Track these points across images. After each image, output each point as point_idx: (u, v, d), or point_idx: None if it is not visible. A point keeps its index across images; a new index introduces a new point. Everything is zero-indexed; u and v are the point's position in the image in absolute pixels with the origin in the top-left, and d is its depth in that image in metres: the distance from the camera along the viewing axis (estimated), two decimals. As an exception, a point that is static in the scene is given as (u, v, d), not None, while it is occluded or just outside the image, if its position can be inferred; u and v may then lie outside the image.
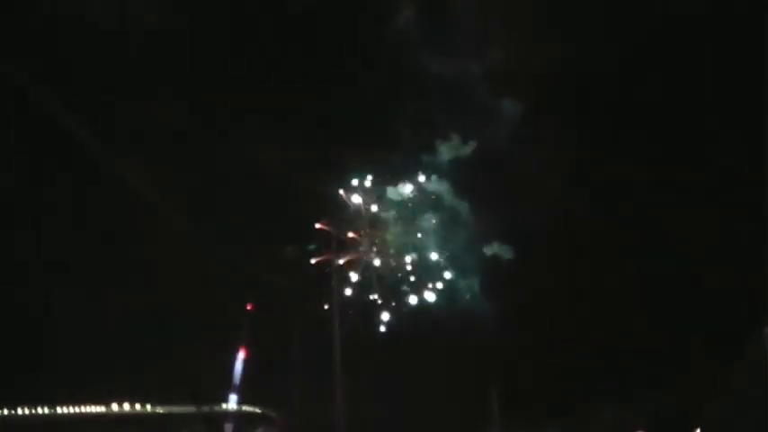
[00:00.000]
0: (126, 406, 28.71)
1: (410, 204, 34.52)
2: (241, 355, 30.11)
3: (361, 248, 34.36)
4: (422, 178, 34.59)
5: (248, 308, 30.42)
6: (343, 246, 33.45)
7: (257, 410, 30.63)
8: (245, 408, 30.24)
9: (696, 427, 28.92)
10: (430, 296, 34.51)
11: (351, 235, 33.79)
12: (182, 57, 30.08)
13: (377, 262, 34.30)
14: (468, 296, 34.79)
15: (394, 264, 34.32)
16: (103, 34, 27.57)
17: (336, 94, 32.90)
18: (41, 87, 23.10)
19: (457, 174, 34.56)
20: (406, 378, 31.20)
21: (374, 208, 34.37)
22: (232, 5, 31.36)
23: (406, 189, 34.63)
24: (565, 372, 31.51)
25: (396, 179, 34.34)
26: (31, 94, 23.19)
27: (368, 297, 32.62)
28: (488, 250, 34.82)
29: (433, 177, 34.76)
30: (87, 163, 25.49)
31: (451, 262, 34.85)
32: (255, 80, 31.62)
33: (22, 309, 26.95)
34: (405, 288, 34.54)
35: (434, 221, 34.64)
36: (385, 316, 33.70)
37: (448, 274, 34.96)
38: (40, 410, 28.13)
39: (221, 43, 31.12)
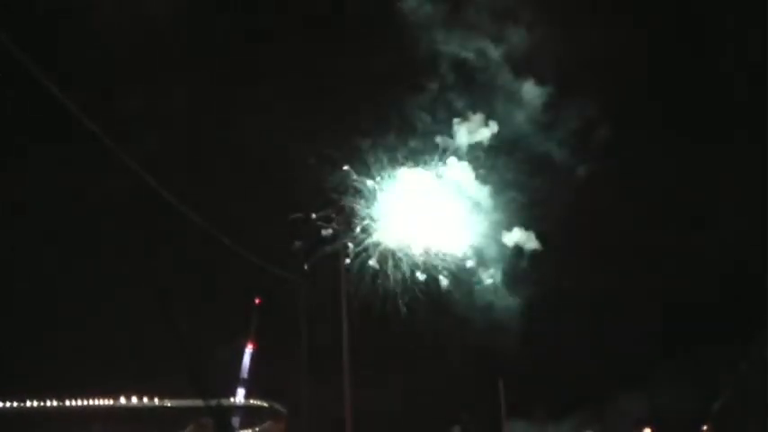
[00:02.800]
0: (133, 399, 30.42)
1: (428, 189, 35.72)
2: (249, 348, 31.82)
3: (374, 235, 35.60)
4: (439, 162, 35.74)
5: (256, 301, 31.86)
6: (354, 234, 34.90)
7: (265, 404, 32.23)
8: (253, 401, 31.87)
9: (705, 423, 30.36)
10: (445, 283, 35.84)
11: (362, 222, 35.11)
12: (186, 31, 31.52)
13: (391, 250, 35.62)
14: (486, 285, 36.05)
15: (409, 253, 35.55)
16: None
17: (349, 75, 34.10)
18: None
19: (477, 158, 35.72)
20: (418, 370, 32.80)
21: (389, 193, 35.69)
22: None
23: (424, 173, 35.77)
24: (579, 366, 33.19)
25: (412, 163, 35.47)
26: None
27: (380, 287, 34.00)
28: (509, 239, 35.89)
29: (452, 162, 35.85)
30: (93, 153, 26.96)
31: (471, 250, 36.05)
32: (264, 62, 32.87)
33: (28, 302, 28.96)
34: (420, 276, 35.87)
35: (453, 207, 35.83)
36: (398, 305, 35.17)
37: (467, 263, 36.22)
38: (48, 403, 29.98)
39: (226, 20, 32.52)
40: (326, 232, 32.86)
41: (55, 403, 30.06)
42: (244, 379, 31.33)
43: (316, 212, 32.58)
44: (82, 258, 28.92)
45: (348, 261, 33.09)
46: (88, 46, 28.79)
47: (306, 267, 31.68)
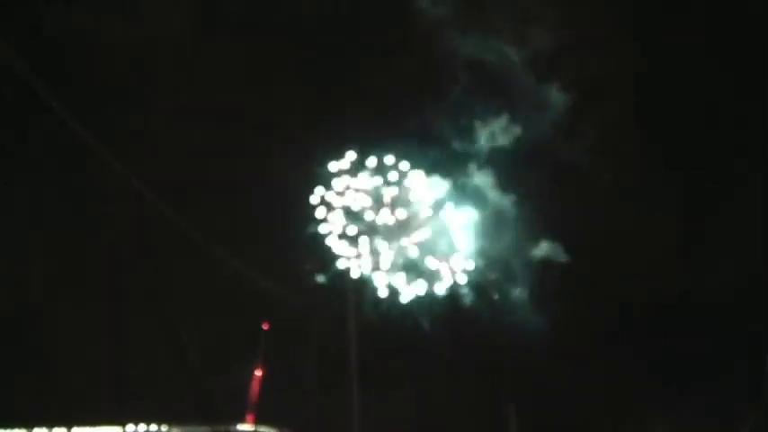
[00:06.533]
0: (141, 426, 32.93)
1: (445, 199, 37.97)
2: (258, 373, 33.52)
3: (390, 247, 37.83)
4: (460, 169, 37.98)
5: (265, 327, 34.09)
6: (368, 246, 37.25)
7: (274, 430, 33.78)
8: (262, 428, 33.34)
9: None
10: (467, 299, 38.13)
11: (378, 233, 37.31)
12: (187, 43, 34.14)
13: (408, 261, 37.91)
14: (511, 301, 38.32)
15: (428, 265, 37.82)
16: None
17: (365, 80, 36.46)
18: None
19: (501, 165, 37.97)
20: (429, 393, 34.75)
21: (407, 202, 37.98)
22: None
23: (443, 181, 37.94)
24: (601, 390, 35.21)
25: (430, 170, 37.76)
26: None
27: (396, 302, 36.40)
28: (538, 252, 38.02)
29: (473, 169, 38.12)
30: (97, 175, 29.97)
31: (494, 265, 38.28)
32: (273, 71, 34.97)
33: (28, 325, 31.22)
34: (439, 291, 38.23)
35: (473, 218, 38.05)
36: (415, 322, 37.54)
37: (490, 277, 38.49)
38: (55, 430, 32.61)
39: (234, 32, 35.11)
40: (338, 248, 35.64)
41: (63, 430, 32.12)
42: (252, 404, 33.41)
43: (327, 226, 35.37)
44: (87, 281, 31.90)
45: (361, 275, 35.89)
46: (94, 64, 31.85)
47: (316, 287, 34.56)
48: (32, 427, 32.01)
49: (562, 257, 37.07)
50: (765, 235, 32.65)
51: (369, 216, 36.25)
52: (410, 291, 36.85)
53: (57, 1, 31.70)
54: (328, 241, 35.25)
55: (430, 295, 36.88)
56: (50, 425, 32.05)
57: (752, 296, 32.55)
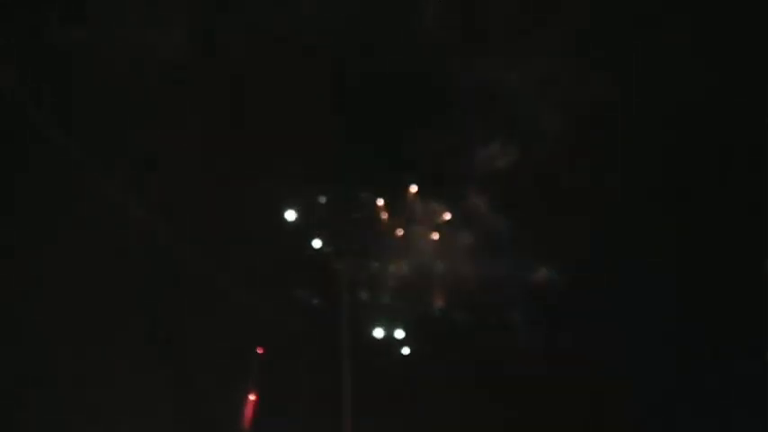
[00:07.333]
0: None
1: (441, 222, 38.30)
2: (251, 397, 33.80)
3: (384, 268, 38.15)
4: (456, 192, 38.31)
5: (258, 351, 34.33)
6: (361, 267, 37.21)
7: None
8: None
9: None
10: (463, 322, 38.42)
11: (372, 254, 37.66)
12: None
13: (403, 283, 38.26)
14: (508, 325, 38.64)
15: (424, 287, 38.16)
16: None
17: (358, 104, 36.75)
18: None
19: (498, 188, 38.27)
20: (422, 414, 34.34)
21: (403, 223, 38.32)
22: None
23: (438, 205, 38.30)
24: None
25: (426, 193, 38.11)
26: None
27: (384, 331, 36.68)
28: (536, 277, 38.37)
29: (470, 191, 38.46)
30: (97, 198, 30.12)
31: (490, 288, 38.58)
32: (271, 95, 35.10)
33: (22, 354, 30.10)
34: (434, 314, 38.58)
35: (470, 241, 38.38)
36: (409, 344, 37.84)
37: (487, 300, 38.78)
38: None
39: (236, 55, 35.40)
40: (332, 270, 35.91)
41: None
42: (245, 429, 33.66)
43: (319, 245, 35.69)
44: (82, 304, 30.69)
45: (355, 297, 36.17)
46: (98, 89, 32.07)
47: (311, 310, 34.84)
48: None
49: (559, 282, 37.24)
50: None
51: (364, 237, 36.30)
52: (404, 313, 36.93)
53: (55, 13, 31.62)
54: (322, 263, 35.31)
55: (425, 318, 37.00)
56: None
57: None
